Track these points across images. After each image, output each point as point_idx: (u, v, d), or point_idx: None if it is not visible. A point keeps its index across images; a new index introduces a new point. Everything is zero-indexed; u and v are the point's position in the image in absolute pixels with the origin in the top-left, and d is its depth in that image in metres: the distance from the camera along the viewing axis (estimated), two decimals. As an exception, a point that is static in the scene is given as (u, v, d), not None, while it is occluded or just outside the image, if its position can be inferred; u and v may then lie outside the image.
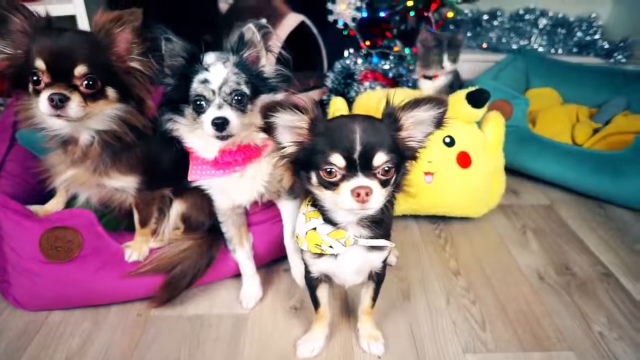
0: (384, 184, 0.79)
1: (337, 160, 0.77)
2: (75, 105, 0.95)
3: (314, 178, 0.81)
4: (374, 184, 0.76)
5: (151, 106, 1.07)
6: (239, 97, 0.99)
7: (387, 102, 0.83)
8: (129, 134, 1.06)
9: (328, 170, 0.78)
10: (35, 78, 0.95)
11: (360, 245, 0.90)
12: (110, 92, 1.02)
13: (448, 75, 1.88)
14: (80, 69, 0.95)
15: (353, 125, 0.78)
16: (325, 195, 0.82)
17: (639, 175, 1.56)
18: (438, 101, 0.80)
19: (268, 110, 0.80)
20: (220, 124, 0.95)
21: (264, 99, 1.02)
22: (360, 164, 0.77)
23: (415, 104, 0.80)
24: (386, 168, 0.78)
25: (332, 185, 0.79)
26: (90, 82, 0.97)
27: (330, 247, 0.89)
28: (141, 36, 1.02)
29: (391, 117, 0.81)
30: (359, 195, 0.75)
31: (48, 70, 0.94)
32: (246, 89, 0.99)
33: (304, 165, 0.83)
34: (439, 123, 0.82)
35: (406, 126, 0.81)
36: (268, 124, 0.81)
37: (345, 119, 0.85)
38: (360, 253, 0.91)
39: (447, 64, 1.81)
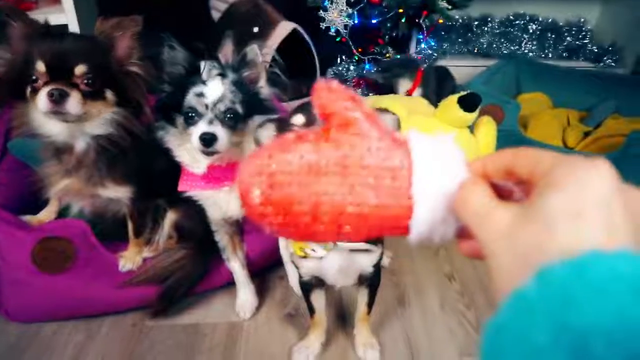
0: None
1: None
2: (74, 101, 0.95)
3: None
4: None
5: (147, 112, 1.07)
6: (232, 115, 0.98)
7: None
8: (126, 138, 1.06)
9: None
10: (34, 78, 0.96)
11: (342, 248, 0.91)
12: (109, 94, 1.02)
13: (418, 90, 1.88)
14: (80, 68, 0.96)
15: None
16: None
17: (630, 177, 1.55)
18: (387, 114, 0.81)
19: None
20: (208, 140, 0.94)
21: (258, 119, 1.02)
22: None
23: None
24: None
25: None
26: (90, 81, 0.98)
27: (313, 250, 0.90)
28: (140, 41, 1.03)
29: None
30: None
31: (48, 70, 0.95)
32: (240, 109, 0.99)
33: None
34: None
35: None
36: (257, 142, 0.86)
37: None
38: (343, 255, 0.92)
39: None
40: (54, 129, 1.02)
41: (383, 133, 0.37)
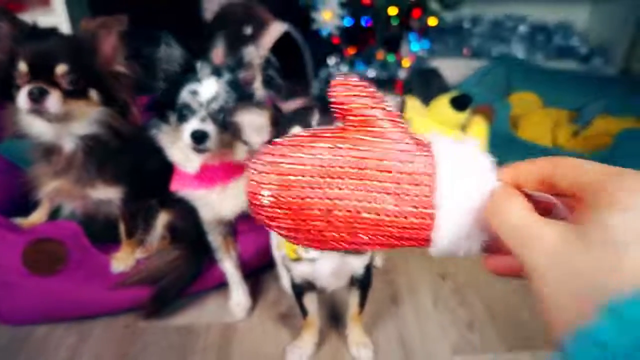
0: None
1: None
2: (54, 99, 0.95)
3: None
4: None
5: (135, 112, 1.07)
6: (225, 114, 0.98)
7: None
8: (113, 138, 1.06)
9: None
10: (17, 78, 0.96)
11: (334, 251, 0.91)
12: (93, 93, 1.02)
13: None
14: (61, 67, 0.96)
15: (312, 108, 0.82)
16: None
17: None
18: (391, 98, 0.80)
19: (232, 112, 0.84)
20: (199, 137, 0.94)
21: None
22: None
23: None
24: None
25: None
26: (72, 80, 0.97)
27: (306, 252, 0.90)
28: (132, 40, 1.03)
29: None
30: None
31: (29, 69, 0.95)
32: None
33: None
34: None
35: None
36: (234, 126, 0.84)
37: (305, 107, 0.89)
38: (336, 257, 0.92)
39: None
40: (39, 129, 1.02)
41: (405, 134, 0.34)
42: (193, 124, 0.96)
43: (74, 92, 0.98)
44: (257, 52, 1.03)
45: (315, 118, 0.78)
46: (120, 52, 1.03)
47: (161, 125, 1.03)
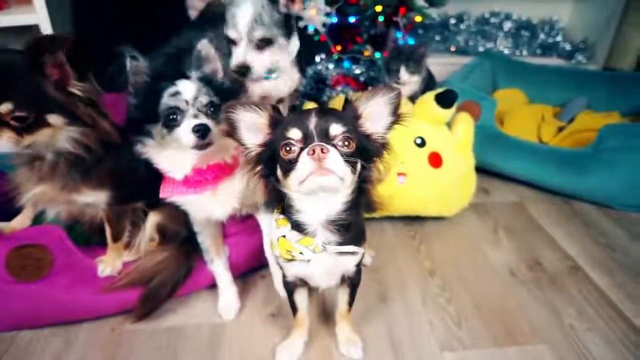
0: (346, 157, 0.77)
1: (294, 133, 0.78)
2: (4, 140, 0.92)
3: (278, 171, 0.81)
4: (331, 148, 0.76)
5: (106, 126, 1.04)
6: (213, 108, 0.99)
7: (346, 97, 0.86)
8: (87, 154, 1.03)
9: (287, 147, 0.78)
10: None
11: (329, 251, 0.90)
12: (54, 119, 0.97)
13: (416, 85, 1.85)
14: (4, 107, 0.91)
15: (310, 111, 0.82)
16: (290, 183, 0.79)
17: (602, 171, 1.62)
18: (390, 89, 0.83)
19: (229, 109, 0.82)
20: (203, 130, 0.94)
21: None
22: (317, 134, 0.77)
23: (370, 93, 0.83)
24: (344, 138, 0.78)
25: (293, 165, 0.77)
26: (19, 117, 0.93)
27: (301, 253, 0.89)
28: (75, 61, 0.97)
29: (349, 107, 0.84)
30: (314, 152, 0.74)
31: None
32: (217, 100, 1.00)
33: (270, 164, 0.83)
34: (394, 111, 0.83)
35: (365, 115, 0.83)
36: (230, 123, 0.83)
37: (304, 110, 0.89)
38: (330, 258, 0.91)
39: (405, 77, 1.76)
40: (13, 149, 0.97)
41: None
42: (190, 122, 0.95)
43: (28, 126, 0.94)
44: (210, 44, 1.03)
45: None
46: (71, 73, 0.97)
47: (144, 140, 1.01)
